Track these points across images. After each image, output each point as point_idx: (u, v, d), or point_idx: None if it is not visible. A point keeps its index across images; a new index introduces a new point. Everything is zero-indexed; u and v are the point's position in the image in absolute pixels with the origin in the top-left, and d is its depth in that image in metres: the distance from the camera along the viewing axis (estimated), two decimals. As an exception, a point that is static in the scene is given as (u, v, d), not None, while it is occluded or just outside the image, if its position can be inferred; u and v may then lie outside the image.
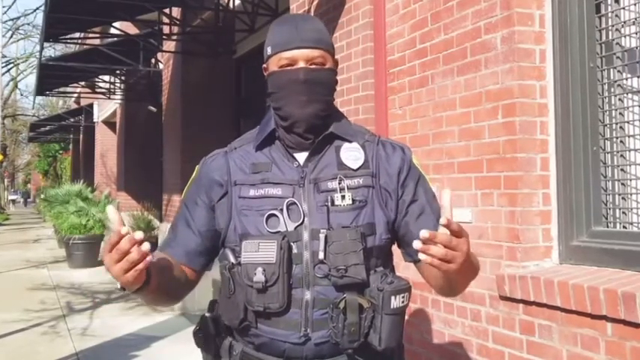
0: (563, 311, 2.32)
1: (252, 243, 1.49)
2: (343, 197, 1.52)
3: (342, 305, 1.46)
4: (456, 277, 1.46)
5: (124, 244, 1.32)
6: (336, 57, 1.64)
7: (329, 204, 1.52)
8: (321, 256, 1.48)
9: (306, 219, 1.52)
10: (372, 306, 1.47)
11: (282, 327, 1.50)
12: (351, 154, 1.59)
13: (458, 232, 1.33)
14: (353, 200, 1.53)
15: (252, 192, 1.55)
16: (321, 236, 1.48)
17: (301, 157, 1.58)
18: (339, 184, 1.54)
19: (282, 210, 1.52)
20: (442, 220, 1.32)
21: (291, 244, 1.49)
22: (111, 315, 6.90)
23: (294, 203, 1.52)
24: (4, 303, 7.52)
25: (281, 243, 1.47)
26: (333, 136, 1.60)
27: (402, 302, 1.48)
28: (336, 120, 1.62)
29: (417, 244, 1.30)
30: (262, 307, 1.48)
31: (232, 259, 1.53)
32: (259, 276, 1.46)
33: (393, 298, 1.46)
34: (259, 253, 1.47)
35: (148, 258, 1.35)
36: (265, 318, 1.50)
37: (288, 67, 1.54)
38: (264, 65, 1.62)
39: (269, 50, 1.58)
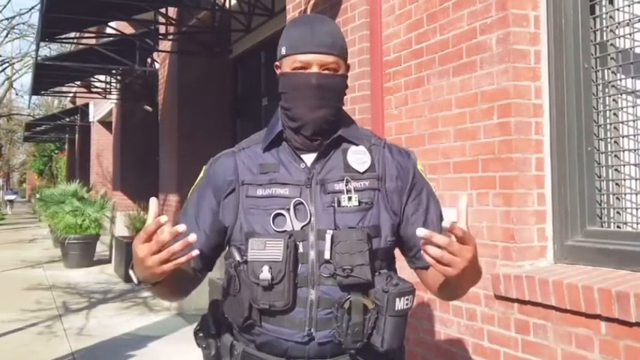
0: (558, 310, 2.33)
1: (258, 241, 1.50)
2: (350, 199, 1.53)
3: (346, 305, 1.47)
4: (456, 282, 1.45)
5: (165, 236, 1.32)
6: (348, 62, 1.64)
7: (335, 205, 1.53)
8: (327, 255, 1.48)
9: (312, 219, 1.52)
10: (376, 307, 1.48)
11: (287, 326, 1.50)
12: (358, 157, 1.60)
13: (462, 239, 1.33)
14: (359, 202, 1.54)
15: (259, 191, 1.56)
16: (328, 236, 1.49)
17: (308, 158, 1.59)
18: (346, 185, 1.54)
19: (288, 210, 1.53)
20: (444, 224, 1.32)
21: (298, 243, 1.50)
22: (107, 315, 6.90)
23: (301, 203, 1.53)
24: (0, 303, 7.51)
25: (287, 242, 1.48)
26: (340, 139, 1.60)
27: (407, 304, 1.50)
28: (344, 123, 1.63)
29: (420, 232, 1.31)
30: (267, 305, 1.48)
31: (238, 257, 1.53)
32: (265, 274, 1.47)
33: (397, 300, 1.48)
34: (266, 251, 1.48)
35: (194, 252, 1.34)
36: (270, 316, 1.51)
37: (301, 71, 1.54)
38: (277, 63, 1.62)
39: (283, 50, 1.58)
